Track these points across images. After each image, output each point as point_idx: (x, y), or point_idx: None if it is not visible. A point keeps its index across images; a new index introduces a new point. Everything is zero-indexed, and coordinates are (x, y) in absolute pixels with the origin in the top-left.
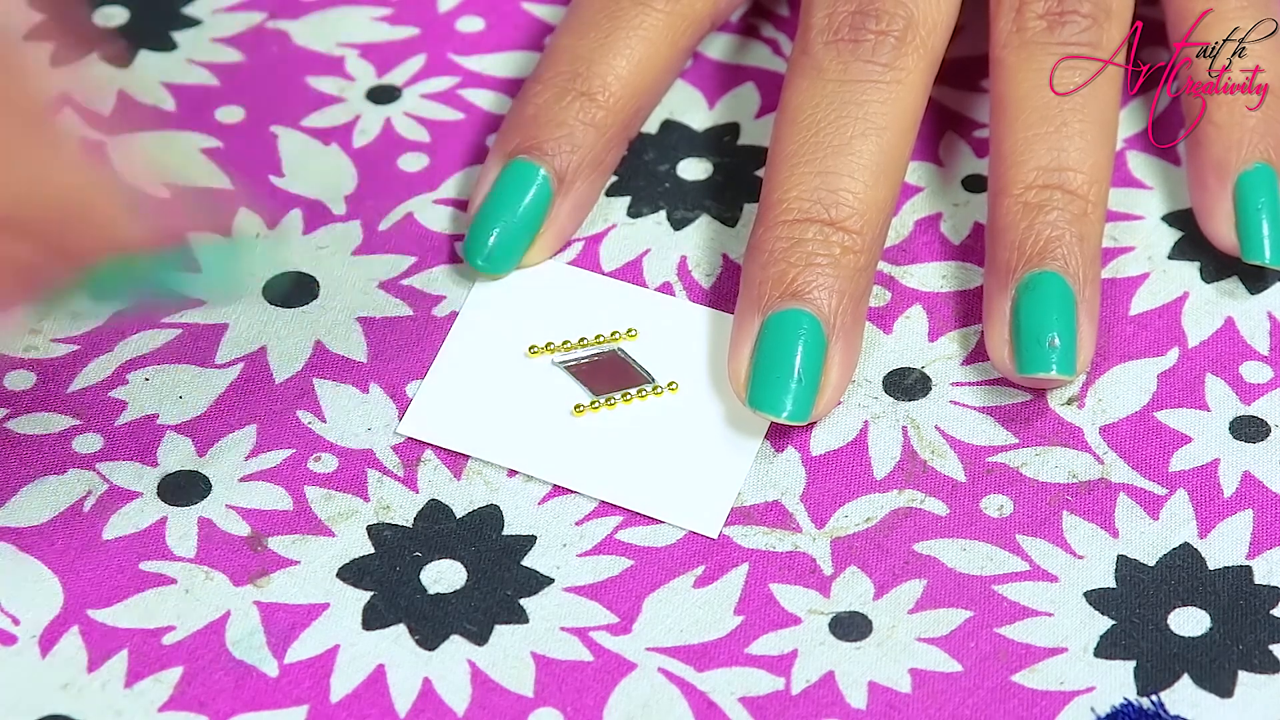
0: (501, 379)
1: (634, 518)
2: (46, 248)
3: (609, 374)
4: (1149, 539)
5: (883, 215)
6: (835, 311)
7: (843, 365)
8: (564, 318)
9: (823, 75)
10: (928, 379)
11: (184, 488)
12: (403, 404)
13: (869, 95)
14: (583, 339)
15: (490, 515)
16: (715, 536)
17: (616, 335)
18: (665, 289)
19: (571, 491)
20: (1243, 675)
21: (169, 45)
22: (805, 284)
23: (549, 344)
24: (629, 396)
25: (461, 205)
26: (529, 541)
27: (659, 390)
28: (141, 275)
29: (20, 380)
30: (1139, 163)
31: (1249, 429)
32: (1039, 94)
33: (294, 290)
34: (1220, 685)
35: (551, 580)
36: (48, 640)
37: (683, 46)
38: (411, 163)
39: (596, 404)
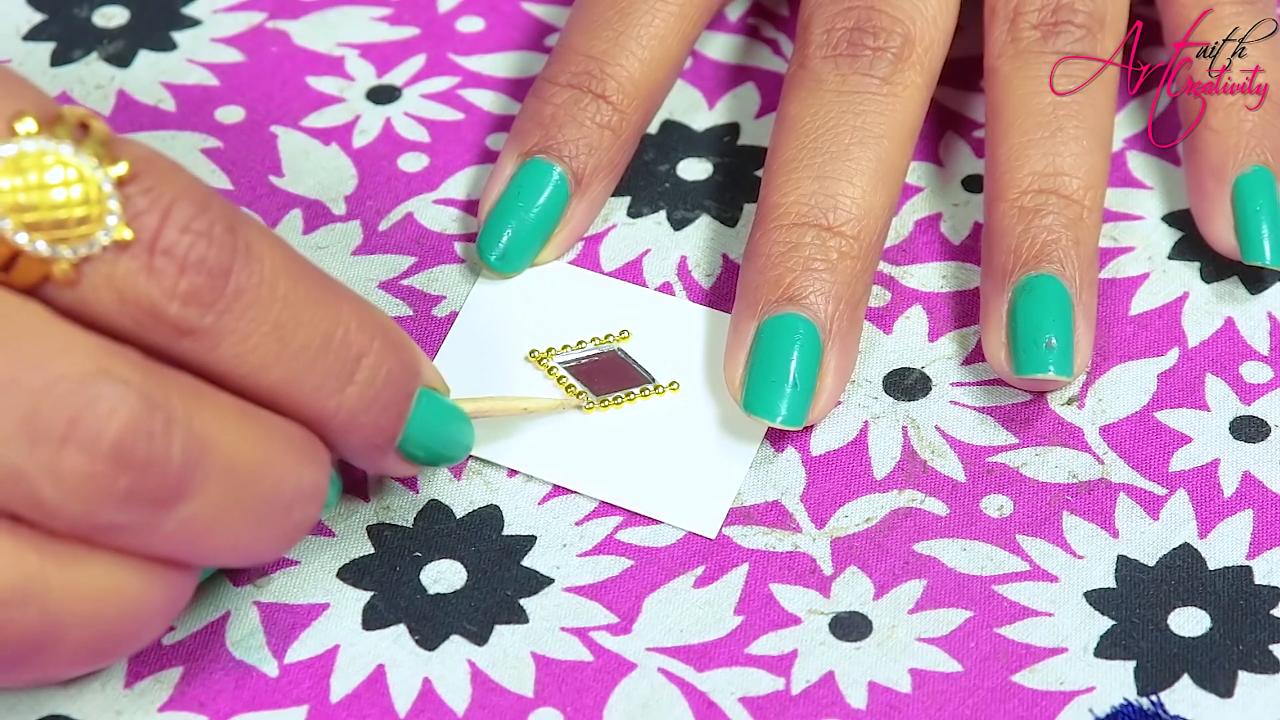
0: (501, 379)
1: (634, 518)
2: (405, 363)
3: (609, 374)
4: (1149, 539)
5: (880, 221)
6: (831, 316)
7: (838, 370)
8: (564, 318)
9: (821, 86)
10: (928, 379)
11: None
12: None
13: (866, 106)
14: (581, 341)
15: (490, 515)
16: (714, 537)
17: (611, 336)
18: (665, 289)
19: (571, 491)
20: (1243, 675)
21: (169, 45)
22: (802, 288)
23: (550, 349)
24: (632, 395)
25: (462, 205)
26: (529, 541)
27: (660, 390)
28: (449, 416)
29: None
30: (1139, 163)
31: (1249, 429)
32: (1034, 100)
33: None
34: (1220, 685)
35: (551, 580)
36: None
37: (692, 38)
38: (411, 163)
39: (591, 405)
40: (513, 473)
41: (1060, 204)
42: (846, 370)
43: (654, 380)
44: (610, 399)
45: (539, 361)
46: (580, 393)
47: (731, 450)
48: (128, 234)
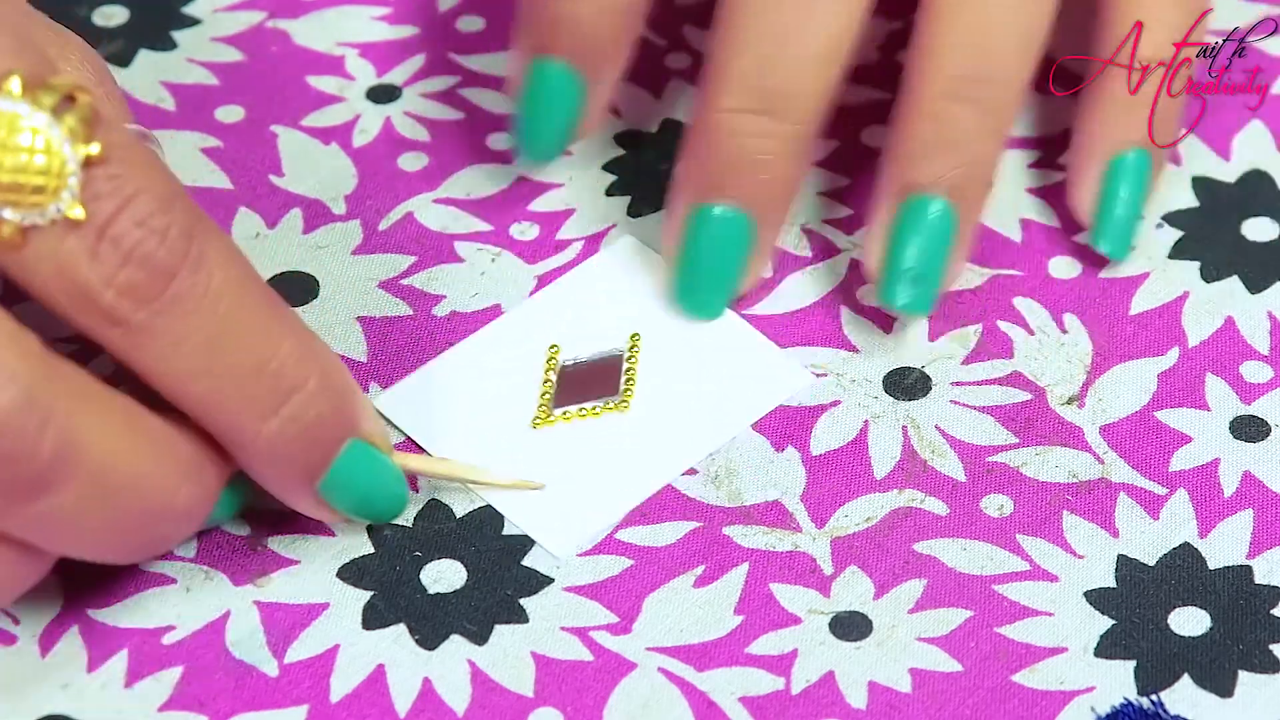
0: (512, 373)
1: (633, 517)
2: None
3: (585, 384)
4: (1149, 539)
5: (823, 102)
6: (766, 208)
7: (764, 258)
8: (607, 316)
9: None
10: (928, 379)
11: None
12: None
13: None
14: (615, 350)
15: (490, 515)
16: (561, 556)
17: (635, 342)
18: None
19: None
20: (1243, 675)
21: (169, 45)
22: (738, 180)
23: (554, 349)
24: (583, 412)
25: (462, 204)
26: (529, 541)
27: (609, 406)
28: (378, 473)
29: None
30: None
31: (1249, 429)
32: None
33: (294, 290)
34: (1220, 685)
35: (551, 580)
36: (48, 640)
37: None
38: (411, 162)
39: (539, 421)
40: None
41: (973, 117)
42: (769, 252)
43: (618, 395)
44: (559, 414)
45: (549, 359)
46: (547, 412)
47: (628, 481)
48: (79, 213)
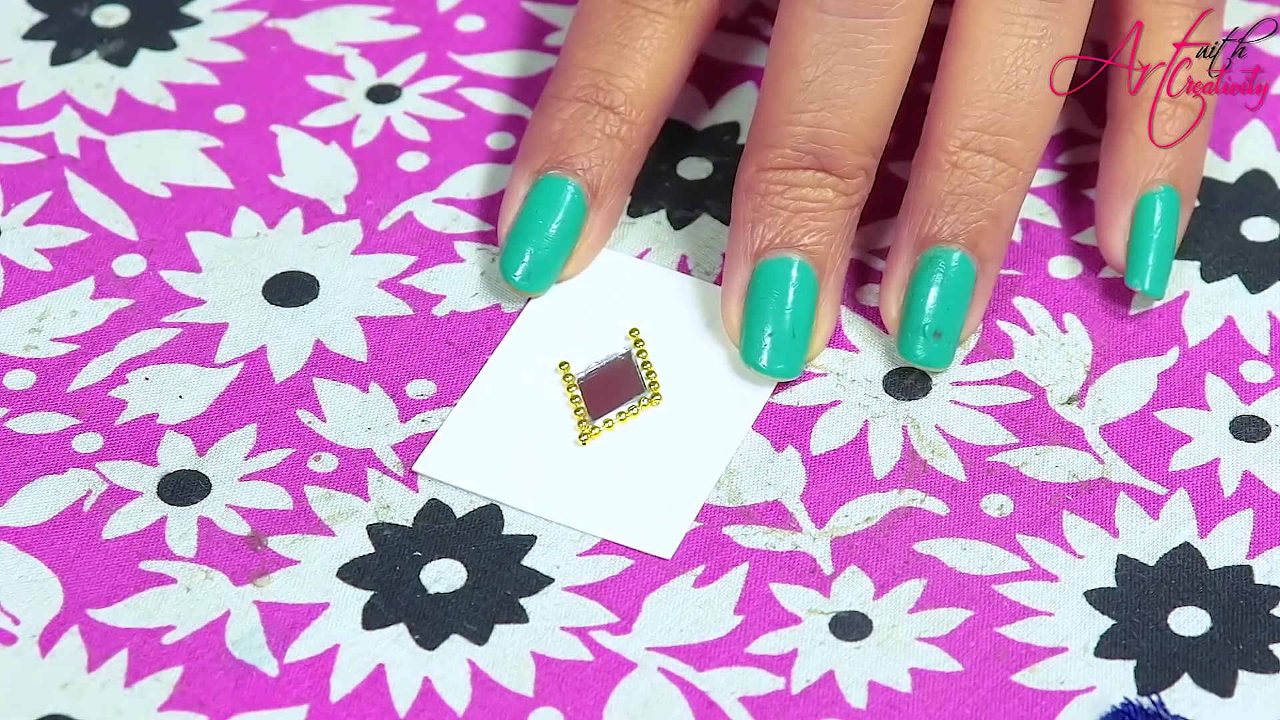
0: (535, 390)
1: None
2: None
3: (610, 387)
4: (1149, 539)
5: (875, 158)
6: (827, 257)
7: (831, 310)
8: (616, 313)
9: (824, 7)
10: (928, 379)
11: (184, 487)
12: (402, 403)
13: (871, 35)
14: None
15: (490, 515)
16: (669, 557)
17: (637, 334)
18: None
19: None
20: (1243, 675)
21: (169, 45)
22: (798, 231)
23: (564, 364)
24: (623, 415)
25: (462, 205)
26: (529, 541)
27: (643, 403)
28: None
29: (20, 380)
30: None
31: (1249, 428)
32: (1000, 42)
33: (294, 290)
34: (1220, 685)
35: (551, 580)
36: (48, 640)
37: (693, 49)
38: (411, 162)
39: (584, 436)
40: None
41: (995, 170)
42: (837, 309)
43: (646, 390)
44: (602, 424)
45: (564, 376)
46: (581, 420)
47: (698, 462)
48: None
